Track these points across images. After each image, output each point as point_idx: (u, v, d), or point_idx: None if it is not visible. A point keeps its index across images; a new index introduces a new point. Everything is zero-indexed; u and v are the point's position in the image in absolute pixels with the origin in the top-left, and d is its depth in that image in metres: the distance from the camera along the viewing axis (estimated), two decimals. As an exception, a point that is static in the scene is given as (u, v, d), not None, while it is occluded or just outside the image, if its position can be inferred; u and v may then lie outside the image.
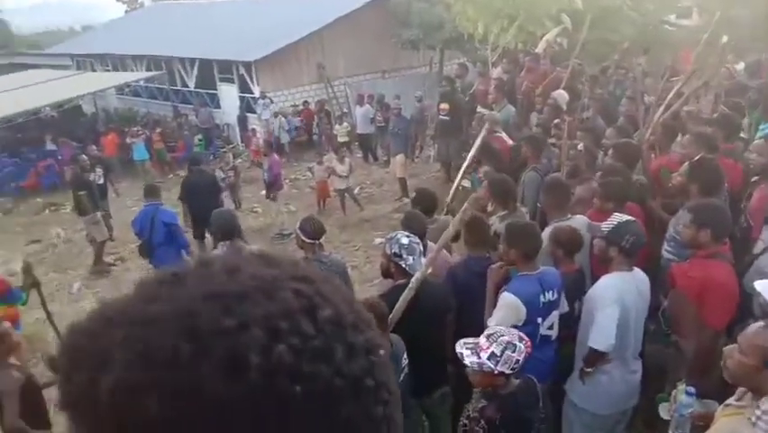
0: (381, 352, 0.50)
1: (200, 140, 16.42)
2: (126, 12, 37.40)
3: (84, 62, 22.80)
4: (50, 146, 15.99)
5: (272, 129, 15.71)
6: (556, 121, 6.63)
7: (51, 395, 4.76)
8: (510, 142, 6.81)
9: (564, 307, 3.61)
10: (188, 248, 7.18)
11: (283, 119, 15.88)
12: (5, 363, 3.90)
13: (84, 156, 10.50)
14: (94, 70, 21.81)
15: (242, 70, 17.17)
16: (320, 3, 20.60)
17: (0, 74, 21.88)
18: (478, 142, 6.09)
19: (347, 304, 0.50)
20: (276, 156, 10.67)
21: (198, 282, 0.46)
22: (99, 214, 9.29)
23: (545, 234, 3.87)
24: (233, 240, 5.28)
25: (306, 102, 16.89)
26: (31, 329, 6.78)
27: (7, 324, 4.17)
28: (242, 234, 6.27)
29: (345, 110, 16.86)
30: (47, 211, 13.29)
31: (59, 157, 14.98)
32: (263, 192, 11.30)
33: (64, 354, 0.46)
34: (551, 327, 3.50)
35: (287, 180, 13.17)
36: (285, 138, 15.58)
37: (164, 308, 0.44)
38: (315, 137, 16.73)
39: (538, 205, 5.09)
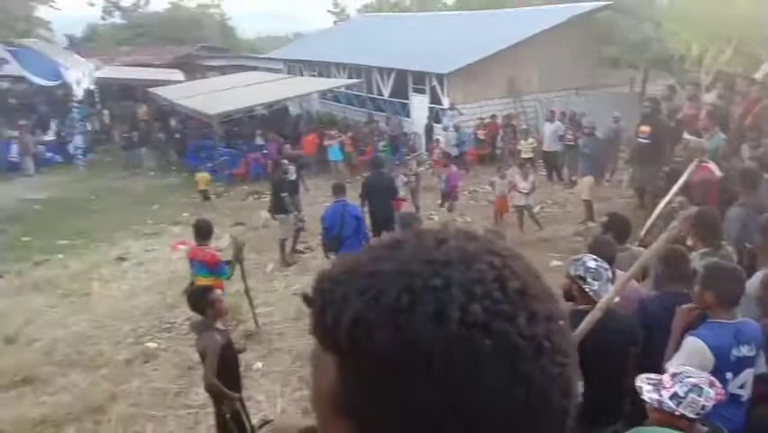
0: (561, 322, 0.58)
1: (384, 146, 17.17)
2: (334, 22, 40.51)
3: (294, 67, 25.14)
4: (259, 141, 17.89)
5: (447, 141, 15.95)
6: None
7: (245, 359, 5.36)
8: (718, 173, 6.22)
9: (762, 367, 3.23)
10: (369, 240, 7.65)
11: (452, 132, 16.02)
12: (212, 325, 4.49)
13: (285, 161, 11.57)
14: (302, 75, 23.94)
15: (435, 82, 17.70)
16: (518, 17, 20.55)
17: (224, 74, 25.05)
18: (685, 176, 5.64)
19: (533, 277, 0.58)
20: (454, 168, 10.80)
21: (414, 249, 0.58)
22: (291, 216, 10.13)
23: (754, 279, 3.49)
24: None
25: (493, 115, 16.90)
26: (230, 300, 7.69)
27: (220, 291, 4.79)
28: None
29: (526, 126, 16.54)
30: (251, 198, 14.91)
31: (266, 151, 16.71)
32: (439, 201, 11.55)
33: (319, 294, 0.59)
34: (742, 387, 3.13)
35: (465, 192, 13.32)
36: (454, 151, 15.53)
37: (389, 266, 0.56)
38: (497, 151, 16.68)
39: (746, 245, 4.60)
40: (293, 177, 11.48)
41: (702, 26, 9.53)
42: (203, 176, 14.93)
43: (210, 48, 31.46)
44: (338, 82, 21.11)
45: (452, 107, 16.94)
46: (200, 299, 4.45)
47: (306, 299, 0.62)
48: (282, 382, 5.87)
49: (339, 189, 7.89)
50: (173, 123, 20.49)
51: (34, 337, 7.41)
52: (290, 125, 19.67)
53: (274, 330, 7.14)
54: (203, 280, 6.25)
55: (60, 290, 9.41)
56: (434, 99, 17.93)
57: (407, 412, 0.53)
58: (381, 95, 20.21)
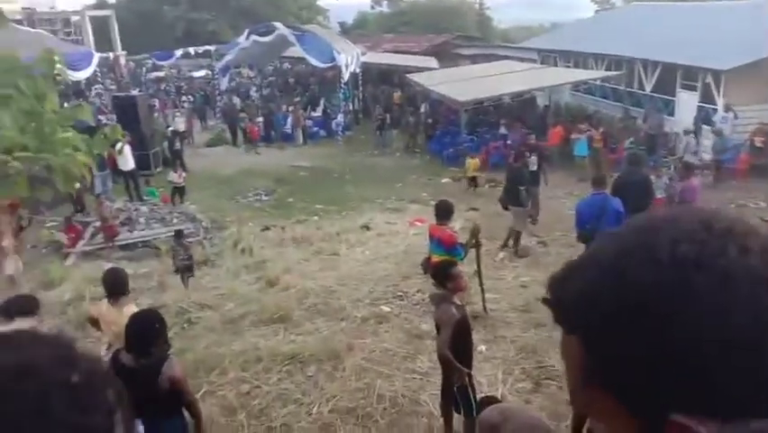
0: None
1: (632, 143, 15.68)
2: (596, 12, 38.39)
3: (548, 57, 24.45)
4: (502, 130, 17.84)
5: (713, 146, 13.98)
6: None
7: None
8: None
9: None
10: None
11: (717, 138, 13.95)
12: (450, 299, 4.59)
13: (527, 152, 11.34)
14: (555, 66, 23.18)
15: (709, 79, 15.69)
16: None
17: (476, 62, 25.42)
18: None
19: (742, 223, 0.58)
20: (695, 180, 9.20)
21: (630, 228, 0.62)
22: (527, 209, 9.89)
23: None
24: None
25: (777, 121, 14.44)
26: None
27: (460, 270, 4.87)
28: None
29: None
30: (487, 186, 14.97)
31: (508, 141, 16.60)
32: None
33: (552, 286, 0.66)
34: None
35: (732, 205, 11.69)
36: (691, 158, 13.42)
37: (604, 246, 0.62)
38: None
39: None
40: (533, 167, 11.23)
41: None
42: (473, 162, 14.90)
43: (465, 37, 32.21)
44: (594, 74, 19.99)
45: (728, 109, 14.87)
46: (443, 272, 4.58)
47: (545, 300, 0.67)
48: (504, 370, 5.80)
49: (599, 182, 7.60)
50: (423, 108, 21.49)
51: (290, 284, 8.43)
52: (537, 116, 19.24)
53: (500, 318, 7.09)
54: (438, 257, 6.45)
55: (314, 248, 10.57)
56: (706, 98, 15.92)
57: (643, 363, 0.55)
58: (643, 89, 18.59)
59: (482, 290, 7.14)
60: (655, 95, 17.89)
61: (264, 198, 14.99)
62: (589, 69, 21.20)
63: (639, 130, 16.74)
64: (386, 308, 7.54)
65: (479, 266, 7.11)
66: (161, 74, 32.40)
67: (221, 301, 8.10)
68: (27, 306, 3.75)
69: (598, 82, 20.09)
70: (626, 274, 0.56)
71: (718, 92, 15.42)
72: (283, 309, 7.38)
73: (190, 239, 11.26)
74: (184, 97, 27.46)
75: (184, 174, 14.39)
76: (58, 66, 3.99)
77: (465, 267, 7.15)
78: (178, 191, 13.97)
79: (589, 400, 0.61)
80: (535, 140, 13.69)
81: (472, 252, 7.02)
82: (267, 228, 11.94)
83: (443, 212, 6.78)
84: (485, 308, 7.14)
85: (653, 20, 22.20)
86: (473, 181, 14.65)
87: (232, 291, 8.38)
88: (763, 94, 14.86)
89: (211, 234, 11.87)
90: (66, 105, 12.12)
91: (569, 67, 22.63)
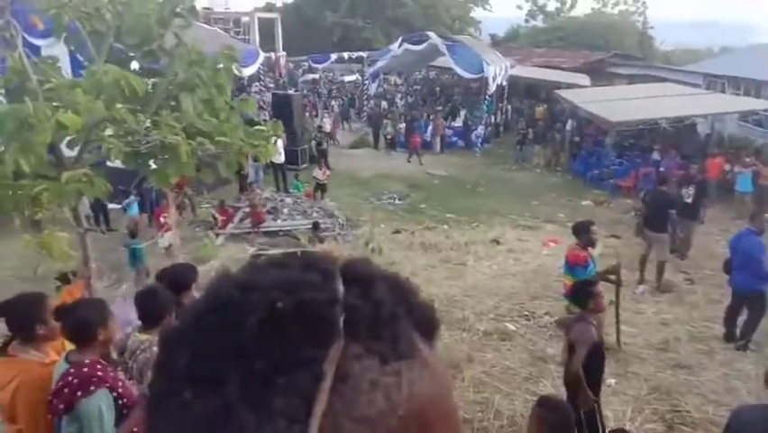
0: None
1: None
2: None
3: (714, 83, 22.51)
4: (655, 156, 16.71)
5: None
6: None
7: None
8: None
9: None
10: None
11: None
12: (588, 319, 4.40)
13: (687, 184, 10.58)
14: (723, 92, 21.31)
15: None
16: None
17: (632, 83, 24.06)
18: None
19: None
20: None
21: None
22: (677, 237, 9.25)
23: None
24: None
25: None
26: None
27: (601, 290, 4.64)
28: None
29: None
30: (632, 213, 14.08)
31: (661, 168, 15.50)
32: None
33: None
34: None
35: None
36: None
37: None
38: None
39: None
40: (688, 199, 10.42)
41: None
42: None
43: (623, 56, 30.63)
44: (766, 104, 18.10)
45: None
46: (582, 291, 4.42)
47: None
48: (634, 408, 5.44)
49: (755, 217, 7.34)
50: (570, 125, 20.74)
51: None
52: (696, 144, 17.80)
53: (634, 353, 6.66)
54: (568, 280, 6.21)
55: (441, 255, 10.62)
56: None
57: None
58: (825, 125, 16.55)
59: (618, 322, 6.75)
60: None
61: (398, 201, 15.30)
62: (762, 98, 19.21)
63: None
64: (510, 326, 7.38)
65: (617, 298, 6.73)
66: (316, 76, 34.24)
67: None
68: (186, 275, 4.07)
69: (771, 113, 18.17)
70: None
71: None
72: (407, 312, 7.48)
73: (326, 233, 11.83)
74: (333, 101, 28.79)
75: (328, 172, 15.10)
76: (235, 63, 4.37)
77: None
78: (321, 188, 14.69)
79: None
80: (697, 170, 12.61)
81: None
82: (398, 231, 12.18)
83: (577, 231, 6.55)
84: (618, 341, 6.74)
85: None
86: None
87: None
88: None
89: (346, 230, 12.35)
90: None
91: (738, 94, 20.67)
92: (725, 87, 21.77)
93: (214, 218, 10.59)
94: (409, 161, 19.56)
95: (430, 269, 9.90)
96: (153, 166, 4.05)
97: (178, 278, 3.91)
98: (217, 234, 11.76)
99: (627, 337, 6.90)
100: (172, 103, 4.11)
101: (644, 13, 41.04)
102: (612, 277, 6.57)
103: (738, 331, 7.01)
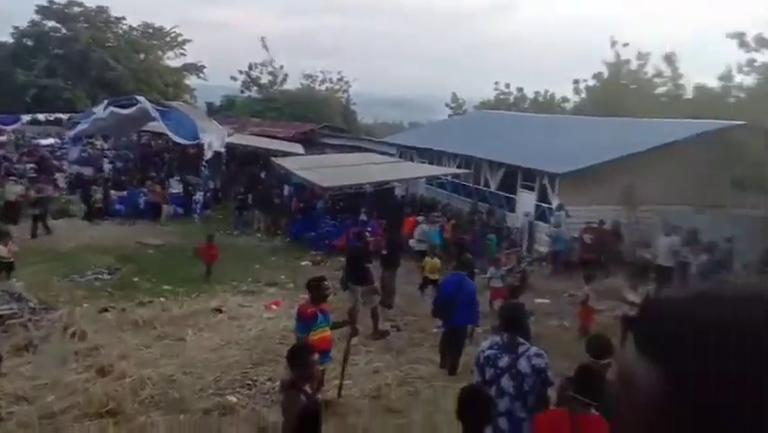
0: None
1: (489, 239, 16.92)
2: (449, 115, 41.84)
3: (406, 153, 25.95)
4: (363, 217, 18.31)
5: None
6: None
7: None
8: None
9: None
10: (478, 316, 8.34)
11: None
12: (300, 386, 4.40)
13: (369, 236, 11.87)
14: (413, 160, 24.63)
15: (546, 180, 17.51)
16: (641, 126, 20.21)
17: (343, 152, 26.31)
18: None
19: None
20: None
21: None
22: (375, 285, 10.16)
23: None
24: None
25: (601, 221, 16.28)
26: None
27: (316, 357, 4.69)
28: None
29: (638, 237, 15.74)
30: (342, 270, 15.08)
31: (369, 229, 17.01)
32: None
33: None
34: None
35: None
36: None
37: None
38: (602, 258, 15.91)
39: None
40: (384, 251, 11.63)
41: None
42: (431, 262, 12.36)
43: (332, 128, 33.41)
44: (447, 170, 21.51)
45: (560, 207, 16.57)
46: (297, 355, 4.37)
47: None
48: (352, 461, 5.61)
49: (461, 264, 8.82)
50: (287, 190, 21.56)
51: (125, 373, 7.67)
52: (395, 205, 20.06)
53: (351, 404, 6.95)
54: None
55: (156, 332, 9.80)
56: (542, 197, 17.68)
57: None
58: (488, 187, 20.25)
59: (342, 375, 7.01)
60: (500, 192, 19.55)
61: (106, 276, 13.82)
62: (442, 165, 22.75)
63: (488, 224, 18.02)
64: (232, 399, 7.09)
65: (347, 351, 7.01)
66: (3, 138, 29.69)
67: (41, 393, 7.14)
68: None
69: (449, 178, 21.56)
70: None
71: (554, 192, 17.19)
72: (114, 401, 6.65)
73: (13, 320, 9.99)
74: (23, 166, 25.17)
75: (14, 248, 12.92)
76: None
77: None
78: (6, 266, 12.45)
79: None
80: (386, 227, 14.18)
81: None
82: (105, 310, 10.93)
83: (309, 287, 6.66)
84: (339, 394, 6.97)
85: (500, 126, 24.71)
86: (430, 283, 12.05)
87: (55, 381, 7.43)
88: (590, 196, 16.80)
89: (39, 315, 10.61)
90: None
91: (424, 162, 24.15)
92: (413, 156, 25.24)
93: None
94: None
95: (144, 349, 9.03)
96: None
97: None
98: None
99: (344, 390, 7.17)
100: None
101: (348, 90, 45.64)
102: (348, 325, 6.85)
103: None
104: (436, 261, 12.42)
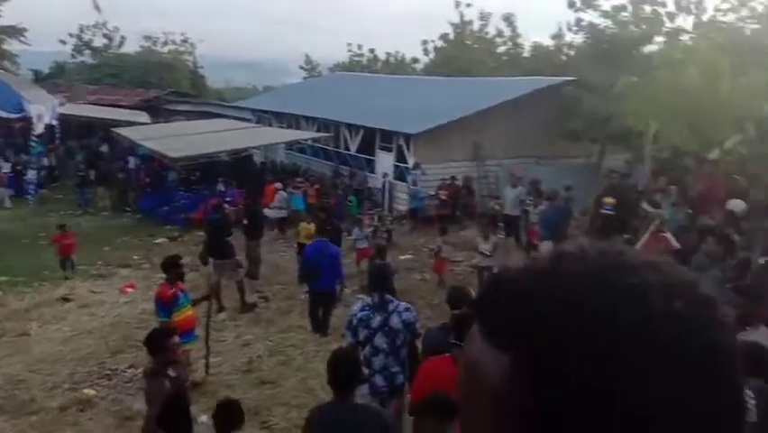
0: None
1: (349, 201, 17.12)
2: (304, 78, 41.20)
3: (263, 118, 25.24)
4: (220, 187, 17.63)
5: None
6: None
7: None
8: (676, 244, 6.37)
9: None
10: (343, 278, 8.72)
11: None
12: (163, 371, 4.22)
13: (228, 207, 11.56)
14: (270, 126, 24.04)
15: (402, 141, 17.98)
16: (485, 85, 21.34)
17: (190, 119, 24.94)
18: (642, 241, 5.78)
19: None
20: None
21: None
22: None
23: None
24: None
25: (453, 177, 17.12)
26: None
27: (178, 338, 4.50)
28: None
29: (487, 190, 16.85)
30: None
31: (228, 199, 16.44)
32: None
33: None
34: None
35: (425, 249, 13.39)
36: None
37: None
38: (457, 213, 16.84)
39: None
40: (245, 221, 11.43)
41: (663, 108, 9.99)
42: (306, 227, 11.69)
43: (178, 93, 31.47)
44: (307, 134, 21.24)
45: (416, 166, 17.16)
46: (155, 341, 4.19)
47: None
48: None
49: (321, 232, 9.23)
50: (133, 163, 20.11)
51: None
52: (254, 173, 19.54)
53: (222, 381, 6.80)
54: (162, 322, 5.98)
55: (-5, 329, 8.83)
56: (400, 158, 18.17)
57: None
58: (348, 150, 20.38)
59: (208, 354, 6.81)
60: (360, 155, 19.78)
61: (-77, 273, 12.10)
62: (301, 129, 22.48)
63: (350, 186, 18.22)
64: (90, 392, 6.63)
65: (207, 328, 6.81)
66: None
67: None
68: None
69: (309, 142, 21.39)
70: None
71: (409, 152, 17.73)
72: (-53, 412, 5.94)
73: None
74: None
75: None
76: None
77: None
78: None
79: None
80: (247, 196, 13.86)
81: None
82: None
83: (165, 267, 6.43)
84: (207, 372, 6.78)
85: (355, 88, 24.79)
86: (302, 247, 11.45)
87: None
88: (444, 154, 17.56)
89: None
90: None
91: (283, 127, 23.69)
92: (271, 121, 24.64)
93: None
94: None
95: (-21, 350, 8.11)
96: None
97: None
98: None
99: (214, 367, 7.00)
100: None
101: (194, 53, 43.02)
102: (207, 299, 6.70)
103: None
104: (311, 226, 12.03)
